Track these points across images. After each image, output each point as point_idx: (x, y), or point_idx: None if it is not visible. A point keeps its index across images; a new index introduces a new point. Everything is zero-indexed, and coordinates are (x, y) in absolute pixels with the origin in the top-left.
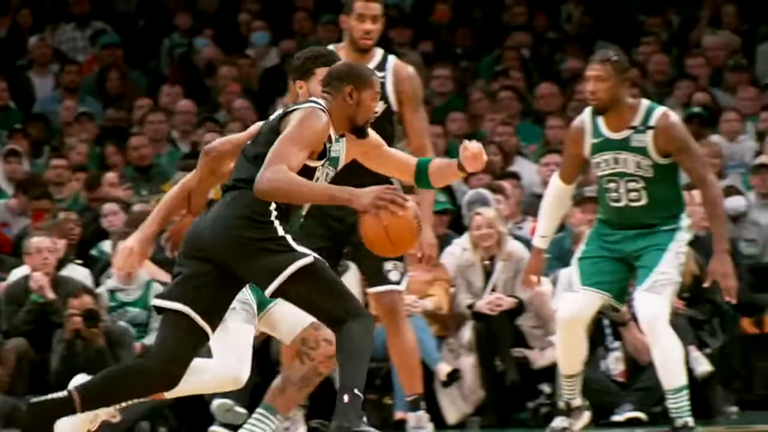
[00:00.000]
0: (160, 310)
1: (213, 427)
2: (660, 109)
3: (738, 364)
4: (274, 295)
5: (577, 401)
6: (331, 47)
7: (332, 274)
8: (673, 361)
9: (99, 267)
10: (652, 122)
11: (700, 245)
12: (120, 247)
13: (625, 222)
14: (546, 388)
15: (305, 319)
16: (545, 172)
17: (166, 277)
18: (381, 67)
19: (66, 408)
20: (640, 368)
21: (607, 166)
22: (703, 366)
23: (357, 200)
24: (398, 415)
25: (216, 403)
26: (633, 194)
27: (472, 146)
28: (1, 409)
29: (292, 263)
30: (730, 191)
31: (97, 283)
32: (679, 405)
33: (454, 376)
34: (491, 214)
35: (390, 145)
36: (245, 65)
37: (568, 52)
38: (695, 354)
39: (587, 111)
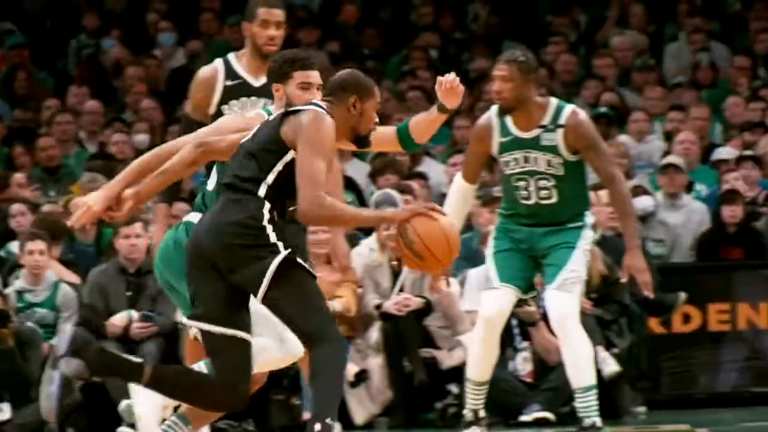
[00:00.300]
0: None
1: (121, 428)
2: (569, 108)
3: (645, 364)
4: (264, 302)
5: (482, 412)
6: (231, 55)
7: (314, 289)
8: (583, 361)
9: (7, 268)
10: (561, 120)
11: (607, 245)
12: (79, 202)
13: (535, 219)
14: (454, 388)
15: None
16: (453, 172)
17: (74, 278)
18: None
19: (133, 374)
20: (548, 368)
21: (516, 164)
22: (611, 366)
23: (401, 216)
24: (306, 415)
25: (124, 403)
26: (543, 192)
27: (446, 78)
28: (77, 338)
29: (272, 263)
30: (638, 191)
31: (5, 284)
32: (588, 405)
33: (361, 377)
34: None
35: None
36: (152, 66)
37: (475, 52)
38: (603, 354)
39: (493, 109)
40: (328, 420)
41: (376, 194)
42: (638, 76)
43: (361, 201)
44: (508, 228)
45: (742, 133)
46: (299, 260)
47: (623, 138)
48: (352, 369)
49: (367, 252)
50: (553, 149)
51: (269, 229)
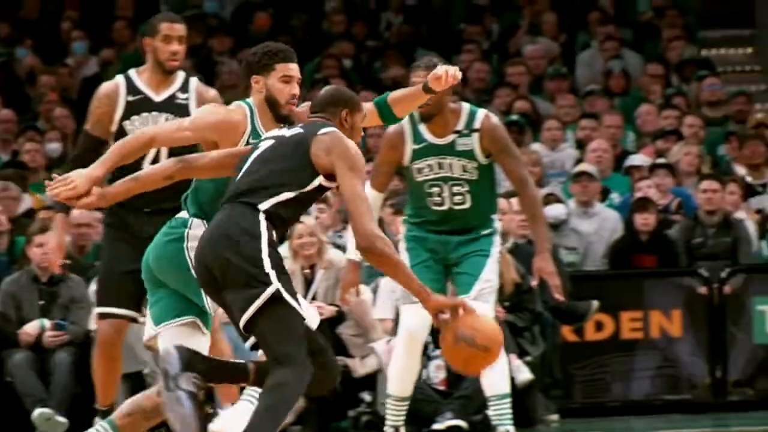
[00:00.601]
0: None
1: None
2: (482, 112)
3: (558, 372)
4: (245, 326)
5: (403, 429)
6: (132, 71)
7: (295, 324)
8: (498, 369)
9: None
10: (476, 125)
11: (519, 253)
12: (64, 175)
13: (446, 225)
14: (366, 396)
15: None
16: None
17: None
18: (184, 88)
19: (240, 375)
20: (460, 376)
21: (430, 171)
22: (524, 374)
23: (434, 299)
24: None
25: (36, 412)
26: (457, 198)
27: (440, 69)
28: (182, 354)
29: (260, 296)
30: (551, 199)
31: None
32: (502, 412)
33: None
34: (312, 222)
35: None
36: (65, 74)
37: (388, 61)
38: (516, 362)
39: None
40: None
41: None
42: (551, 84)
43: None
44: (418, 236)
45: (654, 141)
46: (286, 295)
47: (536, 146)
48: None
49: None
50: (468, 154)
51: (265, 252)
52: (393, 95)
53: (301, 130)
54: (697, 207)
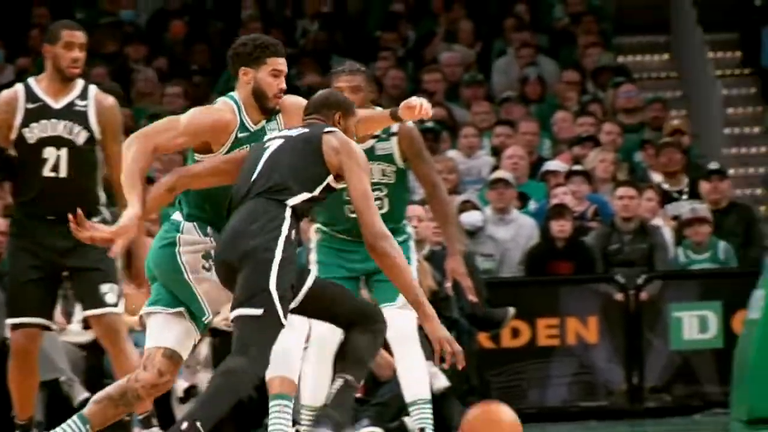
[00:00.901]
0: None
1: None
2: None
3: (475, 378)
4: (232, 317)
5: None
6: (31, 79)
7: (276, 328)
8: (421, 374)
9: None
10: (394, 129)
11: (435, 260)
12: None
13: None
14: None
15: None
16: None
17: None
18: (83, 96)
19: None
20: (377, 383)
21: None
22: (440, 381)
23: (432, 327)
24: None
25: None
26: (376, 203)
27: (415, 100)
28: (333, 421)
29: (256, 308)
30: (467, 206)
31: None
32: (423, 417)
33: (191, 393)
34: None
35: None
36: None
37: (304, 68)
38: (433, 369)
39: None
40: (198, 423)
41: None
42: (467, 91)
43: None
44: (332, 246)
45: (571, 148)
46: (280, 311)
47: (452, 153)
48: (181, 385)
49: None
50: (388, 158)
51: (277, 259)
52: (360, 114)
53: (307, 129)
54: (613, 214)
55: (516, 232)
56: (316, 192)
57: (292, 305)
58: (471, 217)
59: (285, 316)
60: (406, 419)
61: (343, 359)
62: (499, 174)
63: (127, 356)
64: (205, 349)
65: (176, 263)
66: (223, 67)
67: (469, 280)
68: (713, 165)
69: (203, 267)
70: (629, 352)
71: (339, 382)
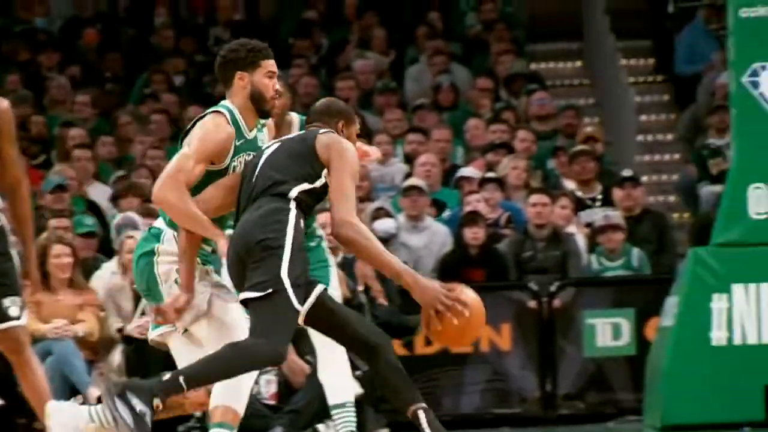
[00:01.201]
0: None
1: None
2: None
3: None
4: (243, 302)
5: None
6: None
7: (290, 310)
8: (341, 378)
9: None
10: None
11: (349, 267)
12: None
13: None
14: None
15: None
16: None
17: None
18: None
19: None
20: (291, 390)
21: None
22: (354, 388)
23: (420, 293)
24: None
25: None
26: None
27: (365, 147)
28: None
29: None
30: (380, 213)
31: None
32: (347, 420)
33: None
34: None
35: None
36: None
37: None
38: None
39: None
40: (181, 378)
41: (117, 217)
42: (380, 98)
43: (103, 224)
44: None
45: (484, 155)
46: (293, 296)
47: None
48: (94, 393)
49: (108, 275)
50: None
51: (288, 247)
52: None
53: (303, 132)
54: (526, 221)
55: (429, 240)
56: (317, 184)
57: (305, 306)
58: (384, 225)
59: (300, 303)
60: (320, 426)
61: (396, 398)
62: (412, 181)
63: (32, 367)
64: (118, 357)
65: (152, 273)
66: (135, 74)
67: (379, 284)
68: (626, 172)
69: (176, 281)
70: (542, 359)
71: (420, 413)
